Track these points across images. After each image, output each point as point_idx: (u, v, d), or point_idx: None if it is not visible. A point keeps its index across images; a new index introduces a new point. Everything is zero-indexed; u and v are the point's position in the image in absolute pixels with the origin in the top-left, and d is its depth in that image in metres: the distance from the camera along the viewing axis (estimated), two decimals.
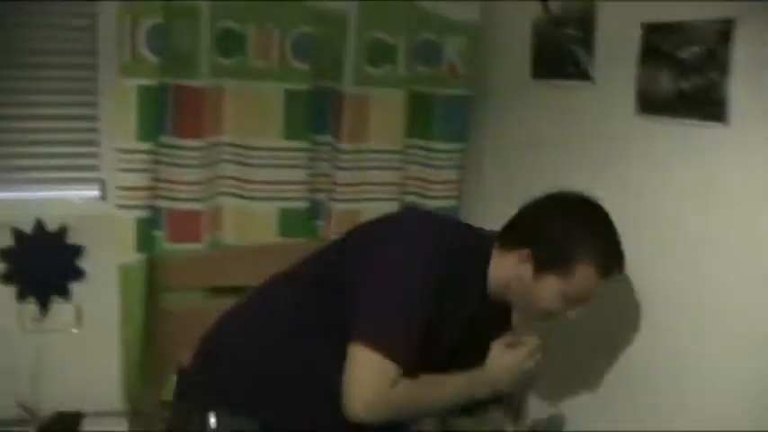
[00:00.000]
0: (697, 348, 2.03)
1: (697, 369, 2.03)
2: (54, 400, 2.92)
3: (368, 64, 2.93)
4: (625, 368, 2.32)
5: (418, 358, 1.87)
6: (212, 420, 1.94)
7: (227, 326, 2.15)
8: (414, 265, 1.90)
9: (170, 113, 2.79)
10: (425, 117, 3.09)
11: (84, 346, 2.95)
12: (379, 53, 2.94)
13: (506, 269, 1.98)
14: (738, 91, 1.89)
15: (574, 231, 1.94)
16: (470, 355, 2.03)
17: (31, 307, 2.91)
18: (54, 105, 2.93)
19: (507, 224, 2.06)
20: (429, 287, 1.89)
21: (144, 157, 2.71)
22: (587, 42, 2.46)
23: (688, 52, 2.03)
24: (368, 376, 1.83)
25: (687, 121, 2.04)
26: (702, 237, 2.02)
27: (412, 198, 3.16)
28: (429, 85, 3.06)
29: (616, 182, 2.29)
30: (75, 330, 2.96)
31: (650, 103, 2.17)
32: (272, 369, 1.99)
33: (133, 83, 2.65)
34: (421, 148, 3.12)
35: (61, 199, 2.97)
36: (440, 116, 3.09)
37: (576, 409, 2.50)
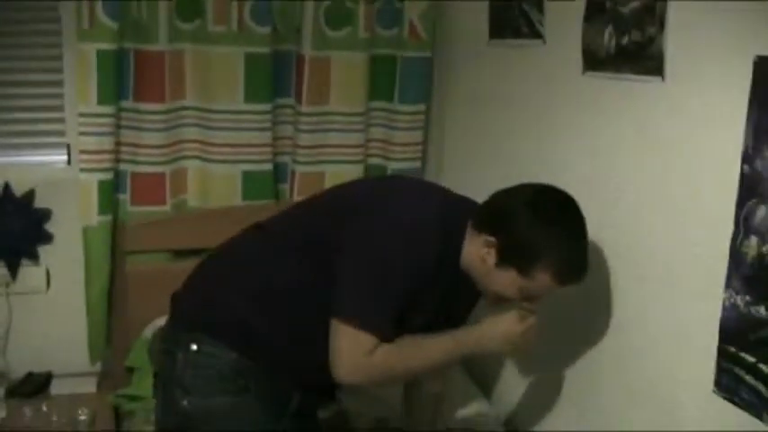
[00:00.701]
0: (635, 290, 2.11)
1: (637, 317, 2.11)
2: (24, 361, 2.97)
3: (328, 27, 2.96)
4: (571, 329, 2.39)
5: (398, 327, 1.93)
6: (194, 346, 2.01)
7: (218, 262, 2.18)
8: (397, 241, 1.94)
9: (131, 78, 2.83)
10: (387, 79, 3.12)
11: (54, 308, 3.00)
12: (339, 16, 2.96)
13: (474, 249, 2.01)
14: (674, 46, 1.93)
15: (542, 236, 1.94)
16: (442, 325, 2.05)
17: (1, 270, 2.94)
18: (20, 72, 2.95)
19: (482, 206, 2.08)
20: (410, 263, 1.94)
21: (105, 120, 2.76)
22: (539, 1, 2.49)
23: (628, 7, 2.06)
24: (344, 347, 1.92)
25: (627, 77, 2.08)
26: (640, 187, 2.07)
27: (375, 160, 3.19)
28: (390, 48, 3.09)
29: (565, 138, 2.34)
30: (44, 293, 3.00)
31: (594, 60, 2.21)
32: (257, 312, 2.02)
33: (92, 48, 2.69)
34: (384, 110, 3.16)
35: (29, 164, 3.00)
36: (402, 78, 3.12)
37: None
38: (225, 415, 2.01)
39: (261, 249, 2.12)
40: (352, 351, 1.92)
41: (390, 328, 1.93)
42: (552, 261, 1.92)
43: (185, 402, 2.00)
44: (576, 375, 2.40)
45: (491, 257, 1.97)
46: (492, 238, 1.96)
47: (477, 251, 1.99)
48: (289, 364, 2.05)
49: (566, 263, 1.95)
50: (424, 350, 1.99)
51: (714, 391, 1.81)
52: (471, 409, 2.75)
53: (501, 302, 2.04)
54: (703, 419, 1.87)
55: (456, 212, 2.06)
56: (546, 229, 1.94)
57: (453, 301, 2.11)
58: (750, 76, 1.68)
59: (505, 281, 1.97)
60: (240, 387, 2.01)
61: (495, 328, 2.01)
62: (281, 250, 2.08)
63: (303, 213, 2.20)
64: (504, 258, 1.95)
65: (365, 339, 1.90)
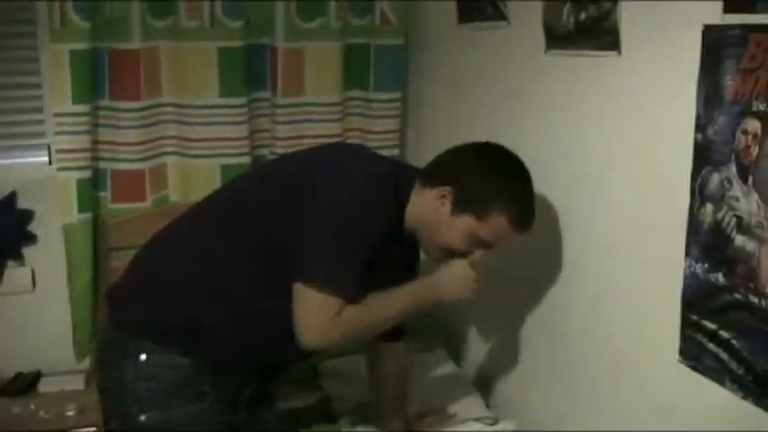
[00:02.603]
0: (602, 261, 2.14)
1: (603, 288, 2.14)
2: (14, 362, 3.00)
3: (299, 19, 2.97)
4: (542, 304, 2.41)
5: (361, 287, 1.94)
6: (143, 356, 1.96)
7: (155, 255, 2.12)
8: (354, 202, 1.95)
9: (106, 77, 2.85)
10: (362, 68, 3.14)
11: (41, 308, 3.02)
12: (310, 7, 2.98)
13: (424, 204, 2.05)
14: (627, 19, 1.95)
15: (498, 180, 2.02)
16: (384, 286, 2.04)
17: None
18: None
19: (432, 162, 2.14)
20: (369, 222, 1.96)
21: (81, 119, 2.78)
22: None
23: None
24: (311, 311, 1.92)
25: (587, 53, 2.10)
26: (604, 161, 2.10)
27: None
28: (363, 37, 3.10)
29: (533, 115, 2.38)
30: (30, 293, 3.02)
31: (556, 38, 2.23)
32: (201, 308, 1.99)
33: (65, 48, 2.71)
34: (360, 99, 3.18)
35: (10, 166, 3.01)
36: (376, 66, 3.14)
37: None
38: (185, 424, 1.98)
39: (197, 237, 2.08)
40: (321, 313, 1.91)
41: (355, 287, 1.93)
42: (508, 204, 2.00)
43: (143, 418, 1.96)
44: (546, 345, 2.43)
45: (446, 207, 2.02)
46: (446, 189, 2.01)
47: (429, 204, 2.04)
48: (239, 354, 2.03)
49: (519, 206, 2.03)
50: (386, 305, 2.01)
51: (679, 360, 1.84)
52: (439, 371, 2.79)
53: (446, 258, 2.07)
54: (670, 388, 1.89)
55: (404, 173, 2.11)
56: (500, 175, 2.04)
57: (397, 263, 2.14)
58: (699, 44, 1.70)
59: (459, 229, 2.02)
60: (197, 393, 1.98)
61: (450, 275, 2.05)
62: (219, 235, 2.04)
63: (241, 192, 2.15)
64: (461, 205, 2.01)
65: (333, 301, 1.90)
